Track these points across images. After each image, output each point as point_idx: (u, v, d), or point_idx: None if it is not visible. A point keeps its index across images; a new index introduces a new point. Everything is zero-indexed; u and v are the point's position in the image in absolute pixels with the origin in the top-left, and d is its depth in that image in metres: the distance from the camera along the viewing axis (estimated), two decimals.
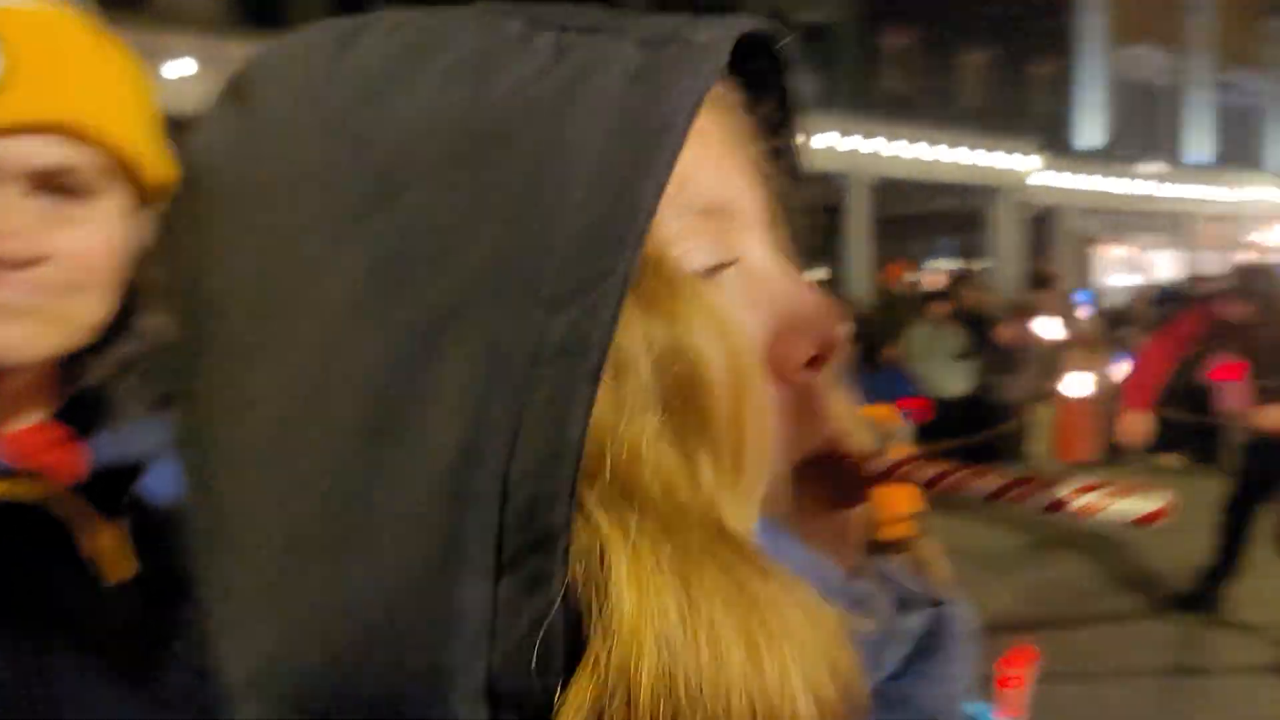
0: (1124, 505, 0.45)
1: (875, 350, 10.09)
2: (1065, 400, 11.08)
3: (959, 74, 17.86)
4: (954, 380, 10.23)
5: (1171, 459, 10.35)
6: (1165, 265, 19.01)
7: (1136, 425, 6.07)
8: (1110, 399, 11.15)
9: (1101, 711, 4.42)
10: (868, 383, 9.71)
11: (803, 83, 0.54)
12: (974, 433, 10.38)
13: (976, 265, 18.34)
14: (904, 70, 17.19)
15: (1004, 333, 10.63)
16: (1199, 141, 22.42)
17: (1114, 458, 11.00)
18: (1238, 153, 23.53)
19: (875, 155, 13.37)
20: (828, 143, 12.81)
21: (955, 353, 10.25)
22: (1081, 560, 6.68)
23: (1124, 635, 5.35)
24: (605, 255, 0.39)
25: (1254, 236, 21.01)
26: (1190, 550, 6.36)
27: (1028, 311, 11.65)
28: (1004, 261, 14.82)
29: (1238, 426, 6.70)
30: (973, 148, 14.49)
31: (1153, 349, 6.18)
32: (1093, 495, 0.45)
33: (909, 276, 15.35)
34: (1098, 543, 7.00)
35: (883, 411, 1.07)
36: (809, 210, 0.56)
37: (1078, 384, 10.97)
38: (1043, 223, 17.19)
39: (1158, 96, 21.71)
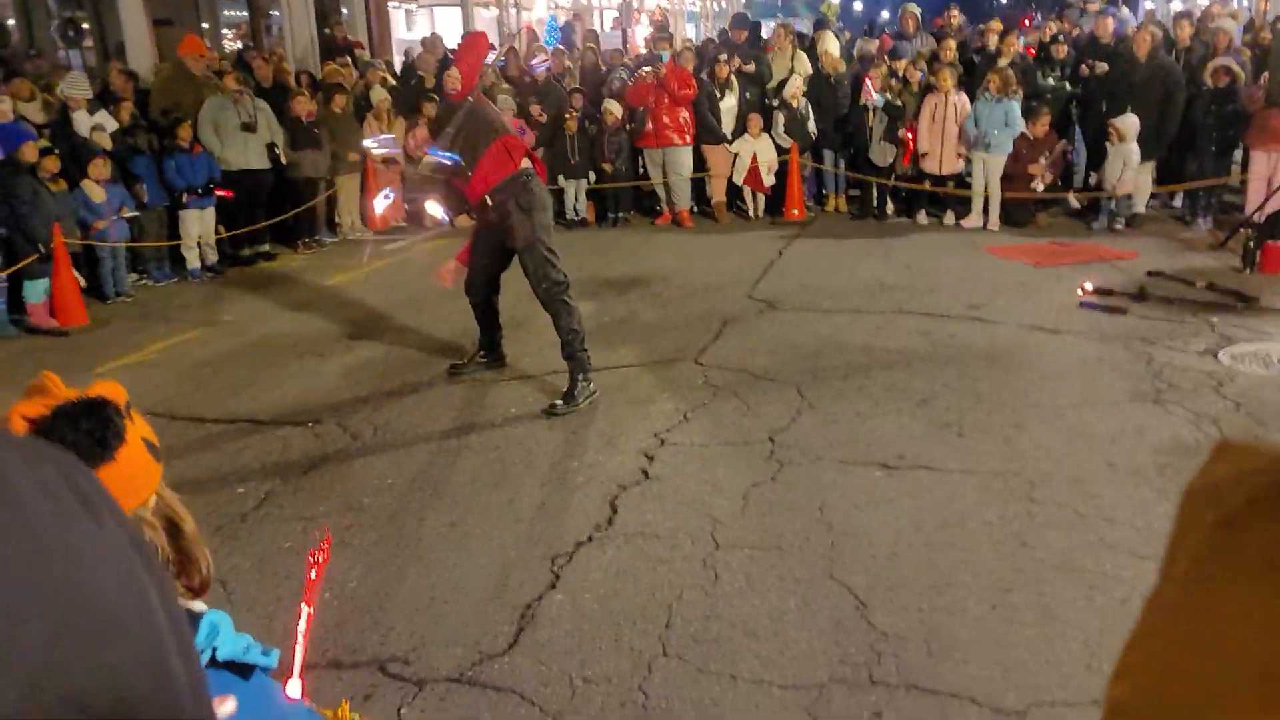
0: None
1: (170, 130, 9.50)
2: (371, 171, 11.34)
3: None
4: (252, 154, 10.05)
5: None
6: (450, 23, 19.86)
7: None
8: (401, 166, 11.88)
9: (442, 470, 5.25)
10: (167, 165, 9.25)
11: None
12: (278, 207, 10.49)
13: (265, 24, 17.69)
14: None
15: (299, 105, 10.58)
16: None
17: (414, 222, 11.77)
18: None
19: None
20: None
21: (250, 126, 9.99)
22: (382, 343, 7.47)
23: (423, 401, 6.28)
24: None
25: None
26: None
27: (324, 85, 11.64)
28: (296, 24, 14.38)
29: None
30: None
31: None
32: None
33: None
34: (396, 327, 7.88)
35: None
36: None
37: (380, 152, 11.31)
38: None
39: None
